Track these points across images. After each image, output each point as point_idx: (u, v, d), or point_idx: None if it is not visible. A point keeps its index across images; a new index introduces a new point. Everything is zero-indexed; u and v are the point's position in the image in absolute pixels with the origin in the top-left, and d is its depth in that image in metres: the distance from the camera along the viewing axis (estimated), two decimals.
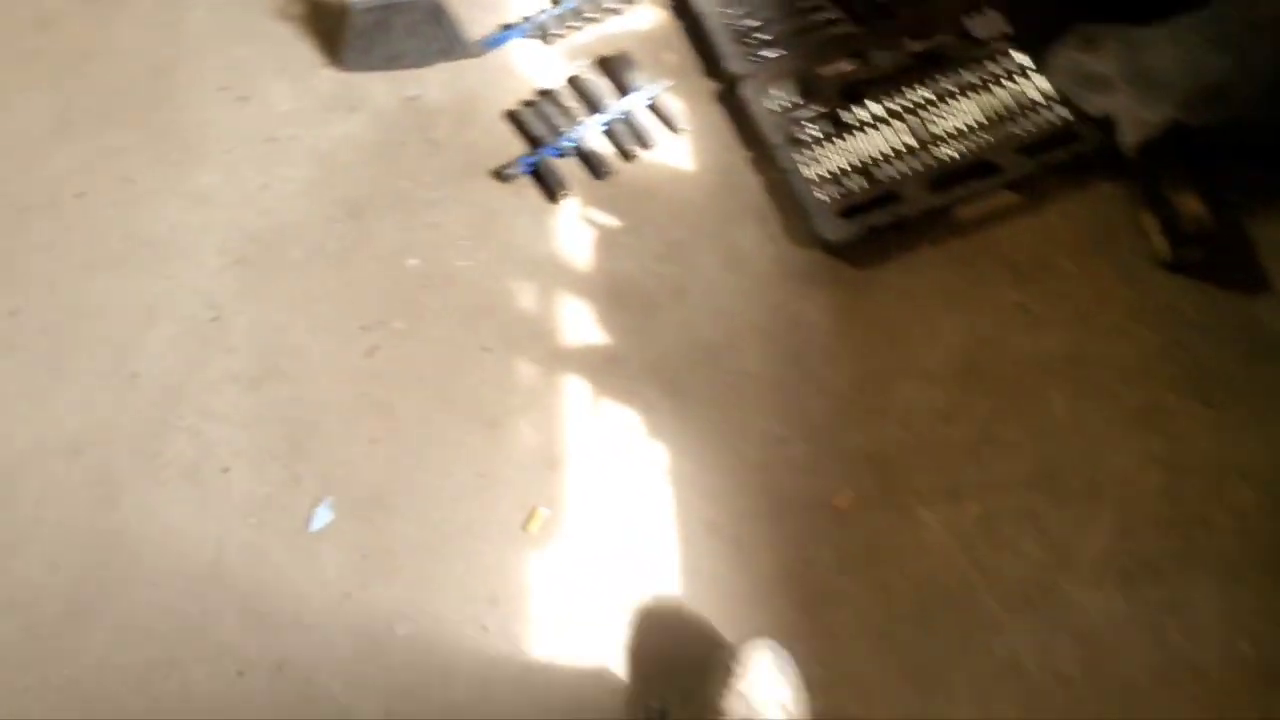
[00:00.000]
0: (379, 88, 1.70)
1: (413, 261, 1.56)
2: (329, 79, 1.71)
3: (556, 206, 1.61)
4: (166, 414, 1.42)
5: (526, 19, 1.76)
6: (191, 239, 1.56)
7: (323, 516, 1.37)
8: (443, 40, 1.68)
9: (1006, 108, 1.65)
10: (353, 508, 1.37)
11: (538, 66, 1.74)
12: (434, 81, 1.72)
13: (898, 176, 1.59)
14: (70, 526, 1.34)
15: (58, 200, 1.58)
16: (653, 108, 1.68)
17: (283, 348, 1.48)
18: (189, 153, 1.63)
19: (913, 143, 1.62)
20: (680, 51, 1.77)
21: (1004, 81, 1.68)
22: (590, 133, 1.64)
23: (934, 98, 1.67)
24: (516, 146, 1.66)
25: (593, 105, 1.68)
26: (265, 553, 1.33)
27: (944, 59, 1.71)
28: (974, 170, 1.61)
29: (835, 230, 1.54)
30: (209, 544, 1.33)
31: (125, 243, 1.56)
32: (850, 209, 1.57)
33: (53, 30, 1.74)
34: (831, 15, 1.75)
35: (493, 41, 1.74)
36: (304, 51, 1.73)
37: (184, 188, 1.60)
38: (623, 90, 1.70)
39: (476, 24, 1.74)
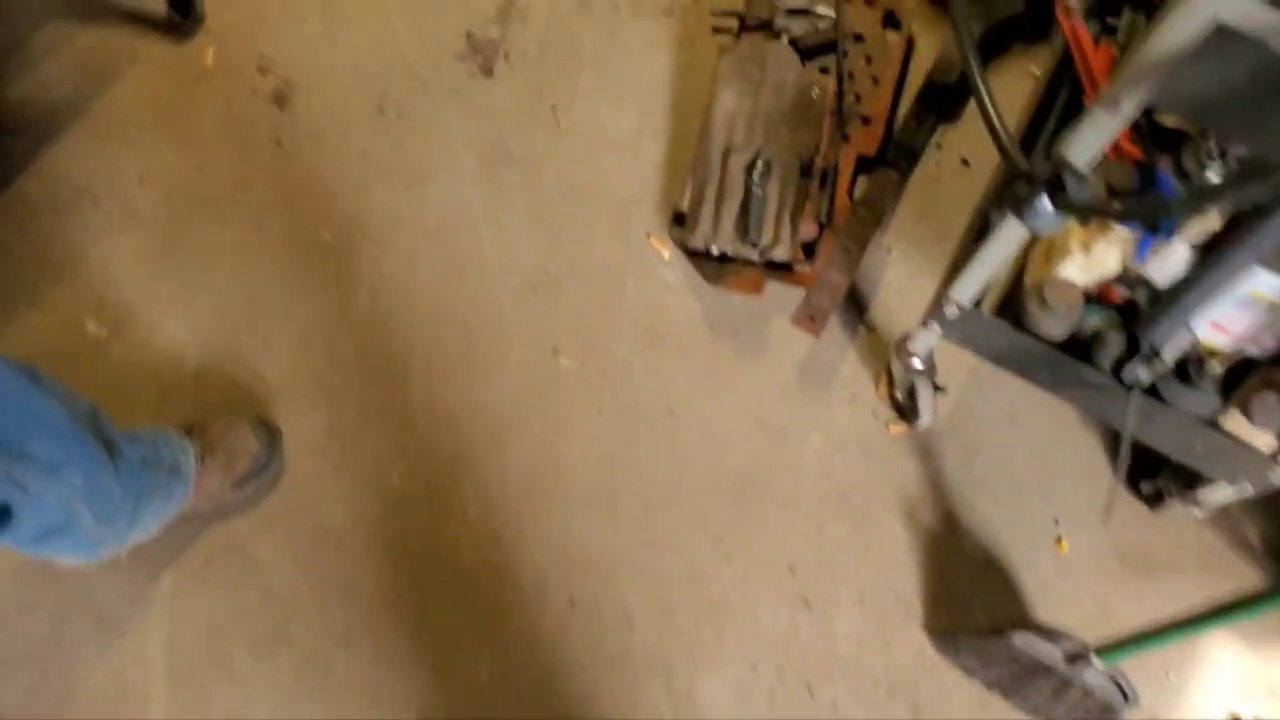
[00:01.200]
0: (957, 707, 1.24)
1: None
2: (911, 647, 1.26)
3: None
4: None
5: None
6: None
7: None
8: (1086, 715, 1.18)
9: None
10: None
11: None
12: None
13: None
14: None
15: (560, 603, 1.29)
16: None
17: None
18: (709, 635, 1.26)
19: None
20: None
21: None
22: None
23: None
24: None
25: None
26: None
27: None
28: None
29: None
30: None
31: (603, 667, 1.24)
32: None
33: (677, 416, 1.40)
34: None
35: None
36: (901, 591, 1.28)
37: (675, 677, 1.24)
38: None
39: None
